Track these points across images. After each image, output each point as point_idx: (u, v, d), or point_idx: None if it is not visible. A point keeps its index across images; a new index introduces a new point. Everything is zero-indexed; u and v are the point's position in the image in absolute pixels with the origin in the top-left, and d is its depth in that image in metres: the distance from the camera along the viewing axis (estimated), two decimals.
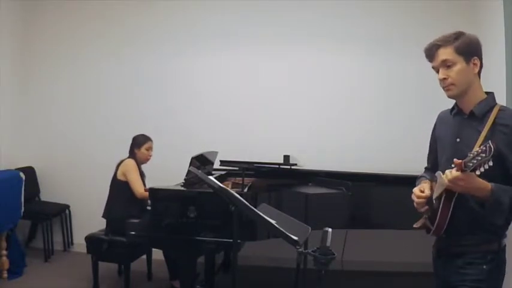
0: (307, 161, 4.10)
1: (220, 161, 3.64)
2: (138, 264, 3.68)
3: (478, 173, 1.46)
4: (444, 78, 1.66)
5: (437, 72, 1.69)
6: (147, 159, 3.73)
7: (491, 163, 1.41)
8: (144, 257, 3.80)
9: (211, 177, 2.18)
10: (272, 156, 3.93)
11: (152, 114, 4.42)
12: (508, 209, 1.55)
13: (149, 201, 3.08)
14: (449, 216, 1.63)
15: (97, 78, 4.56)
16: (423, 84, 3.92)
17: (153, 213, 2.96)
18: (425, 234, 1.76)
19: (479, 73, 1.69)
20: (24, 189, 3.89)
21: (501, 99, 1.72)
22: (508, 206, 1.54)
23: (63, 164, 4.56)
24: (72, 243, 4.56)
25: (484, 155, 1.40)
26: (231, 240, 2.11)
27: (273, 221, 1.79)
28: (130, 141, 3.72)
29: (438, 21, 3.96)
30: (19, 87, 4.56)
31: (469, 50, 1.65)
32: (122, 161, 3.63)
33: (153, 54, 4.47)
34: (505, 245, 1.68)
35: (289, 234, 1.68)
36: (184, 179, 3.14)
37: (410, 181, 1.97)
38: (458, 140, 1.70)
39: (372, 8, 4.26)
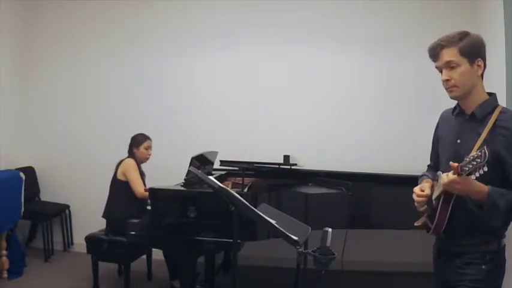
0: (307, 161, 4.10)
1: (220, 161, 3.64)
2: (138, 264, 3.68)
3: (473, 177, 1.45)
4: (447, 80, 1.64)
5: (441, 72, 1.67)
6: (146, 159, 3.73)
7: (486, 168, 1.40)
8: (144, 257, 3.80)
9: (211, 177, 2.18)
10: (272, 156, 3.93)
11: (152, 114, 4.42)
12: (504, 211, 1.54)
13: (149, 201, 3.08)
14: (447, 216, 1.63)
15: (97, 78, 4.56)
16: (423, 84, 3.95)
17: (153, 213, 2.96)
18: (425, 234, 1.76)
19: (482, 74, 1.67)
20: (24, 189, 3.89)
21: (501, 100, 1.71)
22: (504, 208, 1.53)
23: (63, 164, 4.56)
24: (72, 243, 4.56)
25: (479, 160, 1.39)
26: (231, 240, 2.11)
27: (273, 221, 1.79)
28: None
29: (438, 21, 3.96)
30: (19, 87, 4.56)
31: (473, 51, 1.63)
32: (121, 161, 3.63)
33: (153, 54, 4.47)
34: (505, 245, 1.68)
35: (289, 234, 1.68)
36: (184, 179, 3.14)
37: (410, 181, 1.97)
38: (458, 141, 1.70)
39: (372, 8, 4.25)
